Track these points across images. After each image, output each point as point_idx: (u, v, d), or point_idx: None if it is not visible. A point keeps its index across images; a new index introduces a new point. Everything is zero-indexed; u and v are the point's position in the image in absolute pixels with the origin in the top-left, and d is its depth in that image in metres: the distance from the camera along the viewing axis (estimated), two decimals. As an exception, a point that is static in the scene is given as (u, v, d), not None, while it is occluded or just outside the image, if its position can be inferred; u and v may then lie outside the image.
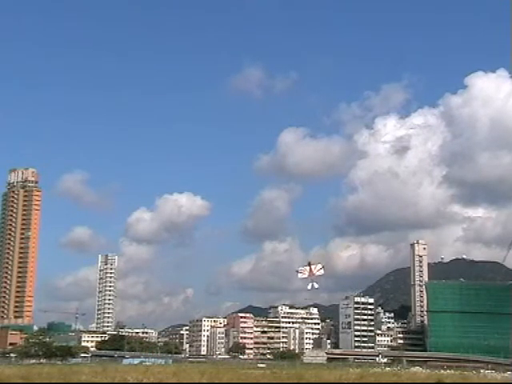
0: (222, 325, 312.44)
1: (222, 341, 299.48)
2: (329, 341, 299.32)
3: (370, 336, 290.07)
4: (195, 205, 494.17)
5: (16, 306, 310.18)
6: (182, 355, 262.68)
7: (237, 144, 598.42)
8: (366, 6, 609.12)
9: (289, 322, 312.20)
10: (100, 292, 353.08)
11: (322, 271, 71.97)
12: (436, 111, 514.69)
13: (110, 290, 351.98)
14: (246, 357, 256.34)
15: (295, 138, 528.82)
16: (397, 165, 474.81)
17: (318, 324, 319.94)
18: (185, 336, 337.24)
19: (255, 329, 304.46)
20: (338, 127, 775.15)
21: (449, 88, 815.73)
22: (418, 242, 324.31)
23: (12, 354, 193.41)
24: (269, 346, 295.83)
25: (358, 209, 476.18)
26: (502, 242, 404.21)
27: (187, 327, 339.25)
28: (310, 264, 71.24)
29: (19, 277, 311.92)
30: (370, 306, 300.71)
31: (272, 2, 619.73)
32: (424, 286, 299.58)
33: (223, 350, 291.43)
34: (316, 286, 72.05)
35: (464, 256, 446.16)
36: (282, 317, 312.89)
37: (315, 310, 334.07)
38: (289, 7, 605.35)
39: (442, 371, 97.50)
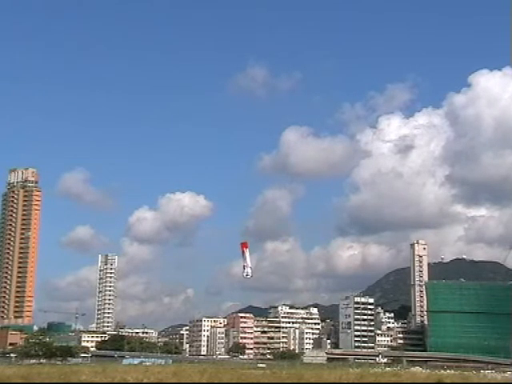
0: (222, 325, 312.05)
1: (222, 341, 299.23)
2: (329, 341, 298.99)
3: (369, 336, 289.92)
4: (198, 204, 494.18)
5: (16, 306, 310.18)
6: (182, 355, 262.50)
7: (239, 143, 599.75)
8: (370, 6, 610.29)
9: (289, 322, 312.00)
10: (100, 292, 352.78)
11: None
12: (440, 111, 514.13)
13: (110, 290, 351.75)
14: (245, 357, 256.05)
15: (298, 136, 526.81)
16: (400, 164, 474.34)
17: (318, 324, 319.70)
18: (185, 336, 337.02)
19: (255, 329, 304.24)
20: (342, 127, 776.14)
21: (453, 87, 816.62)
22: (418, 242, 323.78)
23: (12, 354, 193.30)
24: (269, 346, 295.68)
25: (361, 209, 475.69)
26: (505, 241, 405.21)
27: (187, 327, 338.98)
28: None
29: (19, 277, 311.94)
30: (370, 306, 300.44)
31: (276, 2, 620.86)
32: (424, 286, 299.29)
33: (223, 350, 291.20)
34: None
35: (464, 256, 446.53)
36: (282, 317, 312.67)
37: (315, 310, 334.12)
38: (293, 7, 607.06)
39: (442, 371, 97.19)
